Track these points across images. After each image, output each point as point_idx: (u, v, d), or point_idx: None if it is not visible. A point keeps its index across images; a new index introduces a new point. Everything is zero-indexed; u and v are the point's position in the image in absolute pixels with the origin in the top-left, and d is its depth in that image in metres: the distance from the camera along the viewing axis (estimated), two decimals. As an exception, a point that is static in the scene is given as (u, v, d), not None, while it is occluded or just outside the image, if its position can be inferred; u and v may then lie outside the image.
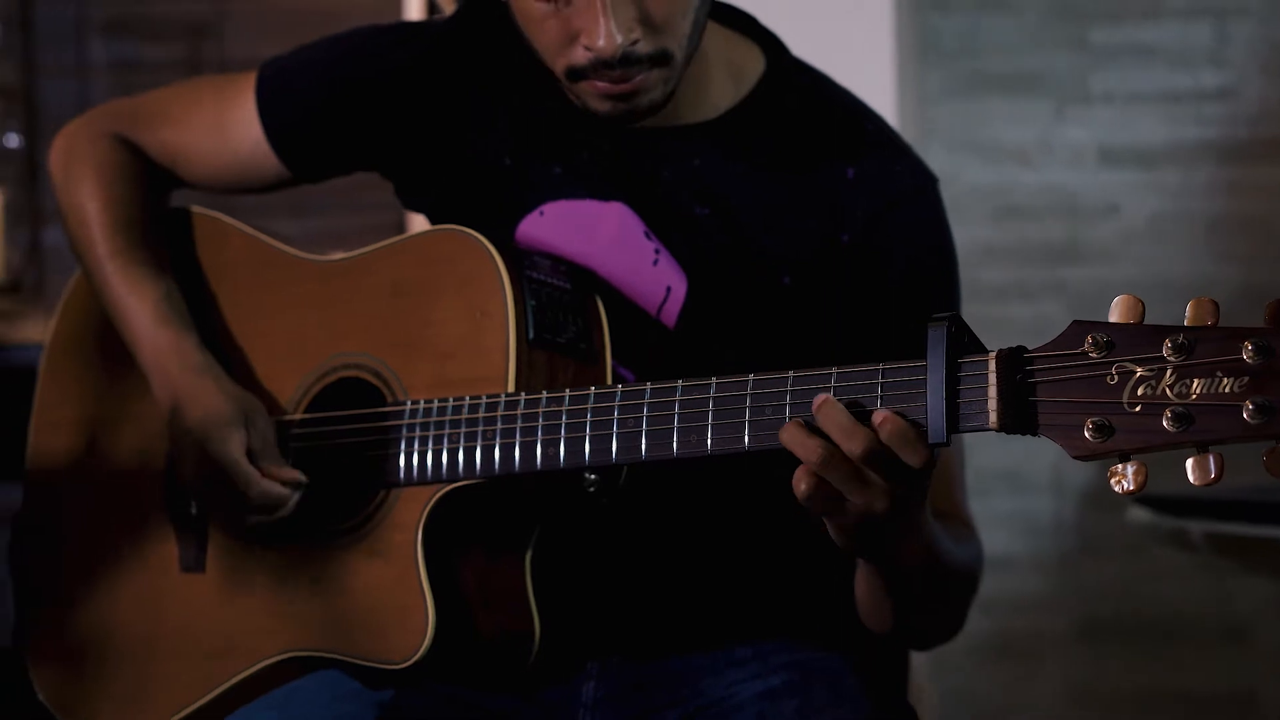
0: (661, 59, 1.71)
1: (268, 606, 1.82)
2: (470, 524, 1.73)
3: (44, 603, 2.00)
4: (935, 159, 3.75)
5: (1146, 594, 3.62)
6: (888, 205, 1.80)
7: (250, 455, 1.80)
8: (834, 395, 1.48)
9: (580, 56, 1.71)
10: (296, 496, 1.80)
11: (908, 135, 3.51)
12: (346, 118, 1.93)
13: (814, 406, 1.48)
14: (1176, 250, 3.65)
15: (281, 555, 1.83)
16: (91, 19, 3.63)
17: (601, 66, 1.70)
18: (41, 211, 3.57)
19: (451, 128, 1.89)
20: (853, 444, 1.45)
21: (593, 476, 1.70)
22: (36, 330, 3.28)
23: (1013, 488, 3.69)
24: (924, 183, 1.84)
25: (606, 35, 1.68)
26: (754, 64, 1.87)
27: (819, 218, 1.80)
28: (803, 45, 1.95)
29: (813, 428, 1.47)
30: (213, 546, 1.88)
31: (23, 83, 3.51)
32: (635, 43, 1.69)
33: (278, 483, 1.79)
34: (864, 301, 1.79)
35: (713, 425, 1.56)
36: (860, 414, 1.47)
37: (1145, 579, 3.58)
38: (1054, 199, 3.66)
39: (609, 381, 1.77)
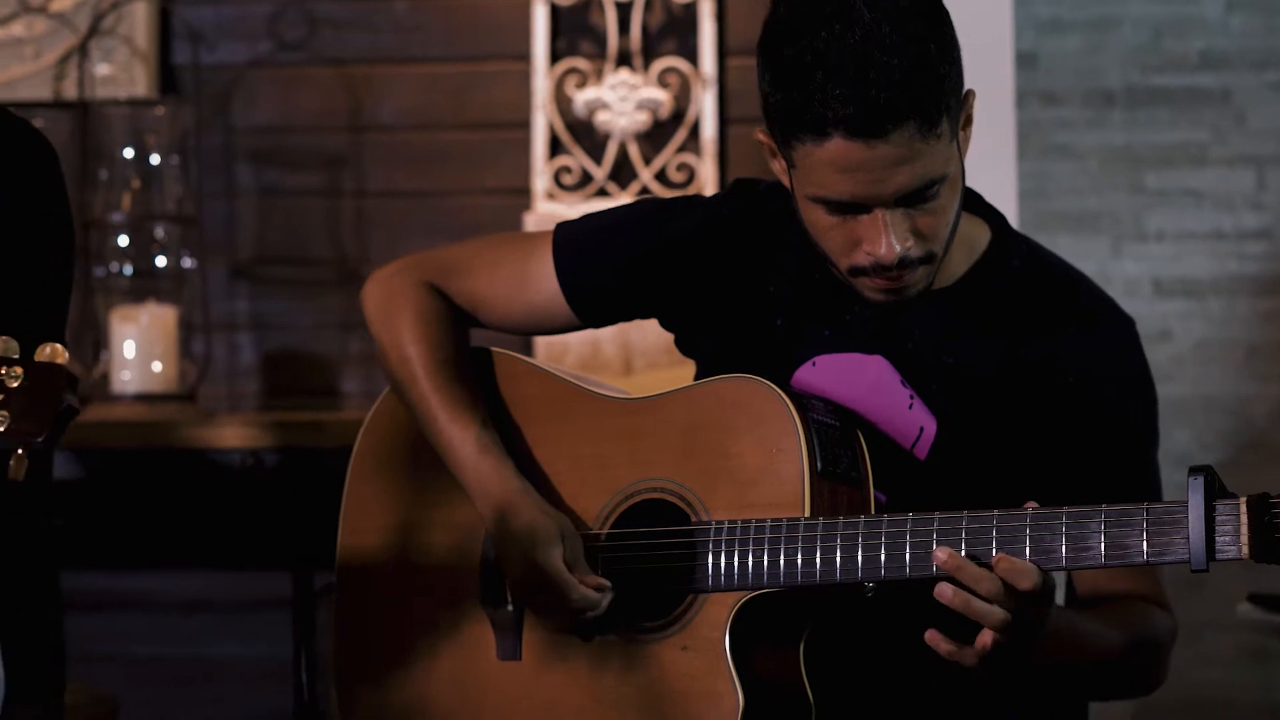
0: (928, 259, 2.06)
1: (584, 691, 2.11)
2: (761, 622, 2.05)
3: (365, 681, 2.26)
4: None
5: (1196, 679, 3.94)
6: (1103, 352, 2.15)
7: (566, 565, 2.11)
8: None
9: (863, 259, 2.04)
10: (607, 599, 2.13)
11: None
12: (636, 280, 2.24)
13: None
14: (1221, 371, 3.99)
15: (594, 647, 2.12)
16: (238, 149, 3.87)
17: (881, 269, 2.05)
18: (210, 325, 3.82)
19: (728, 291, 2.21)
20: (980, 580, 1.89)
21: (871, 585, 2.02)
22: (206, 434, 3.52)
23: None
24: (1128, 330, 2.19)
25: (888, 247, 2.02)
26: (981, 235, 2.20)
27: (1045, 366, 2.13)
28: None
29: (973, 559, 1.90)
30: (527, 638, 2.16)
31: (191, 208, 3.74)
32: (909, 249, 2.04)
33: (590, 589, 2.12)
34: (1087, 434, 2.13)
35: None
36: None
37: (1194, 666, 3.90)
38: (1112, 325, 3.99)
39: (871, 503, 2.09)
